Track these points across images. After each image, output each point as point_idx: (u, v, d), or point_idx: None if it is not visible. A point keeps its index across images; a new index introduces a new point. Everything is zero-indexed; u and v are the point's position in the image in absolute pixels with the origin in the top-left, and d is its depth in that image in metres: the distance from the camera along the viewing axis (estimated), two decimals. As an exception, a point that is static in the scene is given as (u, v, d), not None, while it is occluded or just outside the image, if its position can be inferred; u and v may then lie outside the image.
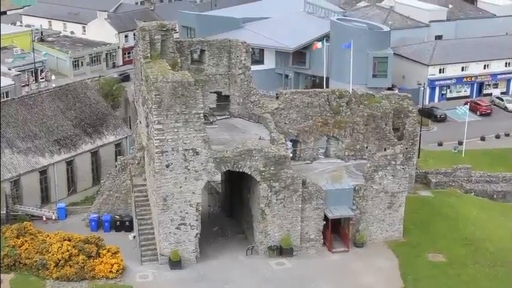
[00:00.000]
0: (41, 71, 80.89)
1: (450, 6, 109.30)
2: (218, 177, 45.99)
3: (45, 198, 61.41)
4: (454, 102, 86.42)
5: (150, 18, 78.08)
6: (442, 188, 58.16)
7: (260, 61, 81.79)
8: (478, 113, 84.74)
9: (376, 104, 51.06)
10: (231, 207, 50.80)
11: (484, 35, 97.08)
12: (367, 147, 50.24)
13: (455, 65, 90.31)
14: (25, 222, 50.33)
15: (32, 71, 78.87)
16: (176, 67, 46.23)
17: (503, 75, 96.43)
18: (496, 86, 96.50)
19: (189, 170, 43.63)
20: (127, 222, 49.90)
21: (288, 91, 55.92)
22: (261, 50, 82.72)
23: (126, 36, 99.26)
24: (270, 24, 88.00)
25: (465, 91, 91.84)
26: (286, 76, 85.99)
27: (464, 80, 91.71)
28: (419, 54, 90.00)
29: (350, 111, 50.75)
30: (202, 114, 44.38)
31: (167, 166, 43.59)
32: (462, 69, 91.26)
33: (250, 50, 54.64)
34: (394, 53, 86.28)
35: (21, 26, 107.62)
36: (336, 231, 47.25)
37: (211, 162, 43.90)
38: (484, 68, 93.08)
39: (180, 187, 43.86)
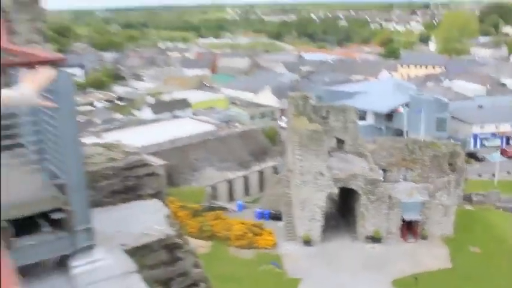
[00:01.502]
0: (231, 122, 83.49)
1: (488, 86, 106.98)
2: (335, 190, 46.49)
3: (231, 198, 63.23)
4: (490, 149, 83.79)
5: (296, 90, 79.59)
6: (480, 205, 56.26)
7: (363, 118, 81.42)
8: (506, 156, 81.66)
9: (438, 148, 50.29)
10: (342, 209, 50.99)
11: (510, 106, 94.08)
12: (431, 175, 49.38)
13: (490, 124, 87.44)
14: (218, 211, 51.90)
15: (226, 121, 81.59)
16: (311, 121, 47.16)
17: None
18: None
19: (317, 185, 44.13)
20: (278, 215, 50.99)
21: (381, 138, 55.83)
22: (364, 112, 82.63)
23: (282, 101, 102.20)
24: (370, 95, 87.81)
25: (497, 141, 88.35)
26: (380, 129, 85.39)
27: (497, 134, 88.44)
28: (467, 116, 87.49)
29: (421, 152, 50.04)
30: (326, 150, 45.13)
31: (304, 182, 44.45)
32: (495, 127, 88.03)
33: (358, 111, 54.95)
34: (451, 116, 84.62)
35: (222, 94, 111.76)
36: (409, 228, 46.59)
37: (331, 180, 44.30)
38: (511, 127, 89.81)
39: (311, 195, 44.55)
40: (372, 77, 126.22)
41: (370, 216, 45.51)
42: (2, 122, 5.47)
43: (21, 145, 5.98)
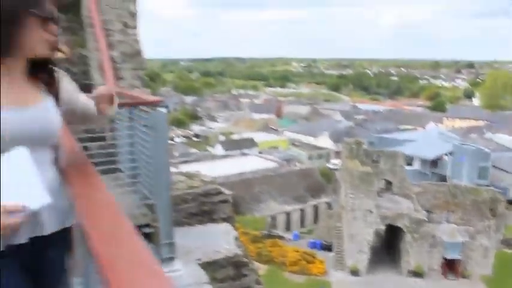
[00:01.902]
0: (291, 161, 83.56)
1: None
2: (382, 227, 45.41)
3: (287, 228, 62.98)
4: (530, 197, 79.93)
5: (351, 135, 78.91)
6: (519, 248, 53.55)
7: (411, 164, 79.41)
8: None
9: (479, 194, 48.37)
10: (388, 245, 49.61)
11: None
12: (472, 219, 47.41)
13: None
14: (276, 239, 51.64)
15: (287, 160, 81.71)
16: (363, 164, 46.67)
17: None
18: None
19: (366, 221, 43.36)
20: (330, 246, 50.34)
21: (426, 182, 54.25)
22: (412, 158, 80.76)
23: (337, 145, 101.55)
24: (417, 143, 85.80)
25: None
26: (426, 174, 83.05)
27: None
28: (508, 166, 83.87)
29: (463, 197, 48.27)
30: (376, 191, 44.35)
31: (354, 218, 43.76)
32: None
33: (405, 157, 53.96)
34: (493, 165, 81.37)
35: (284, 136, 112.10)
36: (450, 266, 44.69)
37: (379, 218, 43.45)
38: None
39: (361, 230, 43.74)
40: (419, 127, 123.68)
41: (413, 253, 44.03)
42: (107, 151, 5.87)
43: (120, 170, 6.36)
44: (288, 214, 64.03)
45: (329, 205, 69.60)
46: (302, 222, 66.29)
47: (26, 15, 1.68)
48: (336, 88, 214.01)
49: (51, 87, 1.92)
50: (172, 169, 7.60)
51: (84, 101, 2.36)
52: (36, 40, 1.72)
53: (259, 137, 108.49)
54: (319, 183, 72.52)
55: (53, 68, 1.91)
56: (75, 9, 10.53)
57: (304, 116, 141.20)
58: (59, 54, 3.92)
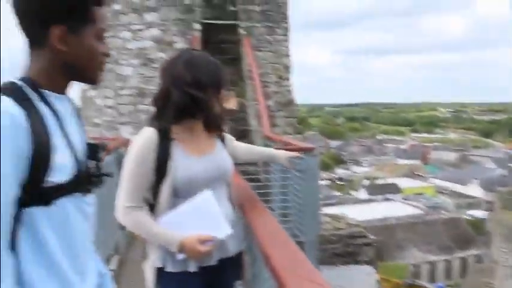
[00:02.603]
0: (437, 209, 79.23)
1: None
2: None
3: (431, 279, 58.81)
4: None
5: (505, 184, 72.23)
6: None
7: None
8: None
9: None
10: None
11: None
12: None
13: None
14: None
15: (432, 208, 77.64)
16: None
17: None
18: None
19: None
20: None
21: None
22: None
23: (488, 194, 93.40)
24: None
25: None
26: None
27: None
28: None
29: None
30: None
31: (507, 276, 39.73)
32: None
33: None
34: None
35: (430, 183, 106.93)
36: None
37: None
38: None
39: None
40: None
41: None
42: (261, 191, 6.41)
43: (272, 209, 6.85)
44: (432, 264, 60.18)
45: (479, 258, 63.91)
46: (447, 275, 61.58)
47: (212, 89, 2.18)
48: (487, 134, 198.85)
49: (220, 136, 2.38)
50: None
51: (261, 150, 2.92)
52: (214, 105, 2.19)
53: (404, 182, 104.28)
54: (468, 233, 67.19)
55: (222, 122, 2.36)
56: (237, 64, 11.63)
57: (451, 162, 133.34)
58: (232, 107, 4.55)
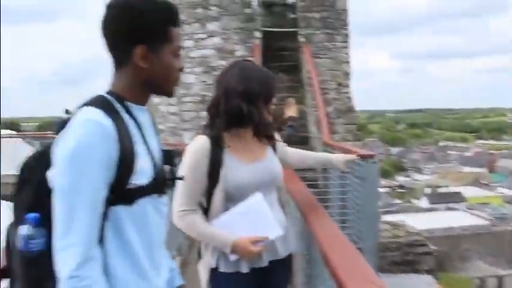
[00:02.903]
0: (505, 220, 75.54)
1: None
2: None
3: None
4: None
5: None
6: None
7: None
8: None
9: None
10: None
11: None
12: None
13: None
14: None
15: (499, 218, 74.15)
16: None
17: None
18: None
19: None
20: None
21: None
22: None
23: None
24: None
25: None
26: None
27: None
28: None
29: None
30: None
31: None
32: None
33: None
34: None
35: (497, 192, 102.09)
36: None
37: None
38: None
39: None
40: None
41: None
42: (320, 197, 6.47)
43: (331, 215, 6.87)
44: (500, 278, 57.12)
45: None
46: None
47: (262, 100, 2.31)
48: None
49: (271, 143, 2.47)
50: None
51: (316, 155, 2.98)
52: (263, 115, 2.31)
53: (469, 191, 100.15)
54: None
55: (271, 130, 2.47)
56: (297, 71, 11.74)
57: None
58: (292, 113, 4.65)
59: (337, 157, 2.95)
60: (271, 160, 2.39)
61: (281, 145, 2.66)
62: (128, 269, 1.44)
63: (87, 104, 1.42)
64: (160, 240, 1.58)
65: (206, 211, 2.26)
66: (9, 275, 1.45)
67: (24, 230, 1.38)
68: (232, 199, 2.23)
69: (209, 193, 2.23)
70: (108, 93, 1.49)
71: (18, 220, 1.42)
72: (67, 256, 1.31)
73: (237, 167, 2.25)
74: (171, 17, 1.51)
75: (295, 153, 2.77)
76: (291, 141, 3.48)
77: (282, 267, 2.36)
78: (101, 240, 1.39)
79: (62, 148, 1.35)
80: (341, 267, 1.65)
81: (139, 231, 1.46)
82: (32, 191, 1.41)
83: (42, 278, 1.37)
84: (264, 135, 2.39)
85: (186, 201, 2.20)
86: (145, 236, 1.48)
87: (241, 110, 2.23)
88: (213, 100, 2.33)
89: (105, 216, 1.39)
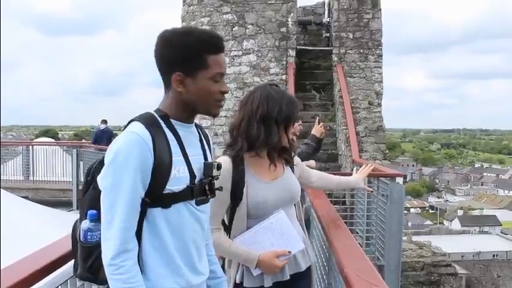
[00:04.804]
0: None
1: None
2: None
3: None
4: None
5: None
6: None
7: None
8: None
9: None
10: None
11: None
12: None
13: None
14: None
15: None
16: None
17: None
18: None
19: None
20: None
21: None
22: None
23: None
24: None
25: None
26: None
27: None
28: None
29: None
30: None
31: None
32: None
33: None
34: None
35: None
36: None
37: None
38: None
39: None
40: None
41: None
42: (345, 213, 6.61)
43: (356, 232, 7.01)
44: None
45: None
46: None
47: (282, 124, 2.39)
48: None
49: (289, 162, 2.57)
50: (404, 237, 7.92)
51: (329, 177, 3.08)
52: (282, 139, 2.41)
53: (504, 215, 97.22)
54: None
55: (289, 152, 2.57)
56: (329, 89, 11.94)
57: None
58: (316, 133, 4.82)
59: (356, 178, 3.08)
60: (289, 178, 2.50)
61: (306, 169, 2.78)
62: (159, 261, 1.66)
63: (135, 119, 1.67)
64: (197, 242, 1.78)
65: (228, 228, 2.37)
66: (75, 258, 1.75)
67: (84, 224, 1.66)
68: (253, 216, 2.35)
69: (232, 211, 2.33)
70: (155, 111, 1.73)
71: (82, 216, 1.70)
72: (107, 247, 1.55)
73: (257, 186, 2.36)
74: (208, 46, 1.69)
75: (320, 179, 2.90)
76: (303, 159, 3.58)
77: (302, 279, 2.48)
78: (139, 236, 1.62)
79: (107, 155, 1.59)
80: (352, 273, 1.86)
81: (173, 230, 1.67)
82: (93, 192, 1.68)
83: (99, 264, 1.62)
84: (281, 157, 2.49)
85: (211, 220, 2.13)
86: (178, 236, 1.68)
87: (259, 135, 2.33)
88: (235, 122, 2.45)
89: (144, 215, 1.62)
